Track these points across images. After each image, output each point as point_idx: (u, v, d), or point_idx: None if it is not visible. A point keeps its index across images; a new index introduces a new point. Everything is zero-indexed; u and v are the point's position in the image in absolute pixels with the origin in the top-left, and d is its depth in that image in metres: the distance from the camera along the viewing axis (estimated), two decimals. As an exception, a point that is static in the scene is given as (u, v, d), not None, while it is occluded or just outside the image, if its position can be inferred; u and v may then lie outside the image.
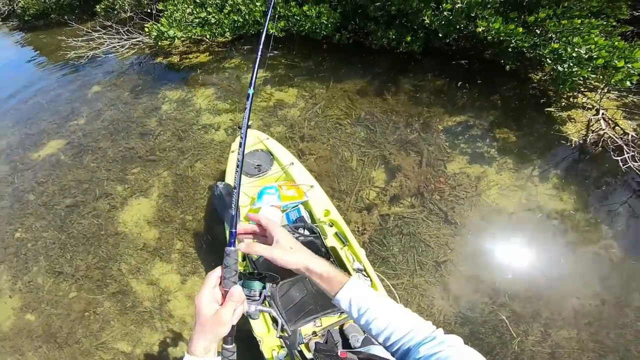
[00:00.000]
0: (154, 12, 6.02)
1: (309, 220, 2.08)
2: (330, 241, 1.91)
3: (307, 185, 2.17)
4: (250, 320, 1.73)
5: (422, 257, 2.61)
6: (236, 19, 4.68)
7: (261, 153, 2.49)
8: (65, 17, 9.76)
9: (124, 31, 5.85)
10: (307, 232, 1.81)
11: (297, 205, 2.08)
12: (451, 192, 2.90)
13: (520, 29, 3.06)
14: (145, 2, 6.82)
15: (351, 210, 2.93)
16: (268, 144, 2.55)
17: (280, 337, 0.86)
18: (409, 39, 3.81)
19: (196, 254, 2.96)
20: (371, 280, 1.83)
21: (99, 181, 3.76)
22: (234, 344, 0.74)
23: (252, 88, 0.88)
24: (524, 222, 2.72)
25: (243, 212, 2.14)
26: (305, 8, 4.20)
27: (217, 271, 0.74)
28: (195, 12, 4.93)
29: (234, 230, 0.76)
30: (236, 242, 0.76)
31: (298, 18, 4.32)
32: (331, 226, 1.97)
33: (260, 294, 0.77)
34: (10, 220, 3.79)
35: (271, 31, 4.49)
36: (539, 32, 3.15)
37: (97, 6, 7.70)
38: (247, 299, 0.76)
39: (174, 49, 5.62)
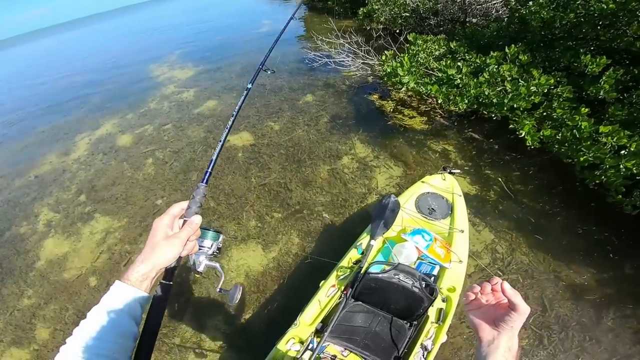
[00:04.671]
0: (401, 38, 5.37)
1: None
2: (430, 310, 1.78)
3: (458, 257, 2.04)
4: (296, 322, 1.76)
5: None
6: (487, 93, 3.41)
7: (444, 202, 2.38)
8: (336, 8, 10.55)
9: (364, 50, 5.49)
10: (426, 289, 1.64)
11: (435, 264, 1.97)
12: None
13: None
14: (399, 21, 6.27)
15: None
16: (456, 200, 2.39)
17: (220, 290, 0.87)
18: None
19: None
20: None
21: (242, 205, 3.55)
22: (172, 282, 0.73)
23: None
24: None
25: (389, 233, 2.16)
26: (603, 129, 2.54)
27: (183, 203, 0.78)
28: (443, 64, 3.93)
29: (209, 170, 1.00)
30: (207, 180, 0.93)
31: (578, 135, 2.70)
32: (443, 301, 1.83)
33: (212, 246, 0.84)
34: (167, 184, 4.11)
35: (522, 133, 3.06)
36: None
37: (361, 9, 7.75)
38: (199, 249, 0.81)
39: (395, 93, 4.86)
